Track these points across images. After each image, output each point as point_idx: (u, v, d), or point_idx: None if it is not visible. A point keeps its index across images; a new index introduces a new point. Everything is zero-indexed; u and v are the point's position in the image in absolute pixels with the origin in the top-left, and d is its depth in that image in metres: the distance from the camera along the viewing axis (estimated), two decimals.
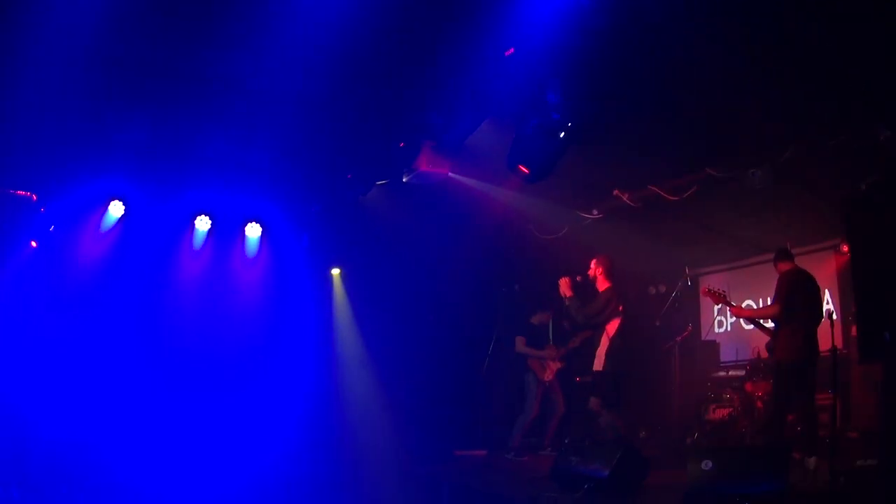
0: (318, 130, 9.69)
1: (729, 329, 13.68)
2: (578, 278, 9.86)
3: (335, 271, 13.45)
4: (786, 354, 8.73)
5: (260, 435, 11.80)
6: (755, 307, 12.68)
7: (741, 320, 13.12)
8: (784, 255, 9.14)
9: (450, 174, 9.76)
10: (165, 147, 10.32)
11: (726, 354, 13.18)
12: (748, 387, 10.82)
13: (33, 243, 10.89)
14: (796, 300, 8.63)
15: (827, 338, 8.33)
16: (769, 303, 9.39)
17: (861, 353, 8.59)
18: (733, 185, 9.88)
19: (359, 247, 12.74)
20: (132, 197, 11.38)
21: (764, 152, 9.44)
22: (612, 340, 9.41)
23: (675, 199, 10.43)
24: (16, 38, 7.61)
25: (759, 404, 10.45)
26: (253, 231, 12.39)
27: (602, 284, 9.72)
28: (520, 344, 11.32)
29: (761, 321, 9.34)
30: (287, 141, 9.99)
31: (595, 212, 11.62)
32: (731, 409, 10.78)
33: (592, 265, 9.84)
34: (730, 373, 11.92)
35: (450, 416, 12.30)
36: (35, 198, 10.79)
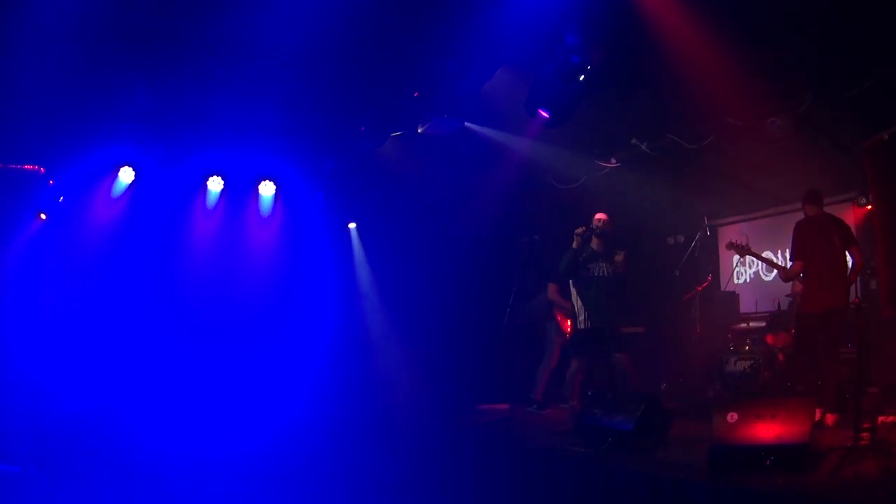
0: (329, 84, 9.58)
1: (749, 280, 13.52)
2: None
3: (352, 225, 13.32)
4: (804, 305, 8.60)
5: (282, 394, 11.79)
6: (775, 259, 12.52)
7: (761, 272, 13.03)
8: (810, 197, 8.72)
9: (466, 124, 9.60)
10: (173, 110, 10.31)
11: (746, 306, 13.04)
12: (769, 339, 10.72)
13: (42, 216, 10.86)
14: (809, 250, 8.40)
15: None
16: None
17: (887, 305, 8.44)
18: (752, 135, 9.73)
19: (375, 200, 12.63)
20: (142, 162, 11.35)
21: (783, 101, 9.30)
22: None
23: (694, 147, 10.28)
24: (16, 12, 7.48)
25: (781, 356, 10.34)
26: (267, 189, 12.30)
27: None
28: (552, 291, 11.24)
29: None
30: (297, 96, 9.88)
31: (613, 161, 11.46)
32: (752, 362, 10.67)
33: (606, 219, 9.69)
34: (750, 324, 11.76)
35: (471, 369, 12.24)
36: (43, 171, 10.75)
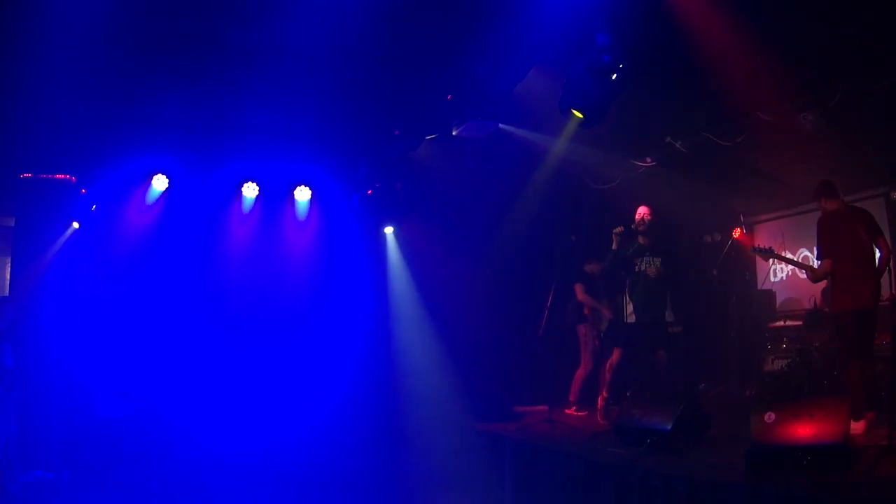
0: (363, 88, 9.62)
1: (785, 278, 13.41)
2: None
3: (388, 229, 13.37)
4: (834, 303, 8.39)
5: (318, 397, 11.86)
6: (811, 256, 12.41)
7: (797, 269, 12.87)
8: (826, 190, 8.23)
9: (499, 125, 9.58)
10: (207, 117, 10.35)
11: (783, 304, 12.95)
12: (806, 337, 10.63)
13: (75, 224, 11.00)
14: (836, 246, 8.04)
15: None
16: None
17: None
18: (785, 130, 9.69)
19: (411, 203, 12.63)
20: (176, 170, 11.45)
21: (814, 96, 9.22)
22: None
23: (728, 144, 10.23)
24: (47, 21, 7.59)
25: (817, 355, 10.25)
26: (302, 194, 12.38)
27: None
28: (579, 291, 11.20)
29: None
30: (331, 101, 9.93)
31: (648, 160, 11.43)
32: (789, 360, 10.60)
33: (649, 212, 9.64)
34: (787, 323, 11.65)
35: (509, 370, 12.26)
36: (74, 180, 10.89)
